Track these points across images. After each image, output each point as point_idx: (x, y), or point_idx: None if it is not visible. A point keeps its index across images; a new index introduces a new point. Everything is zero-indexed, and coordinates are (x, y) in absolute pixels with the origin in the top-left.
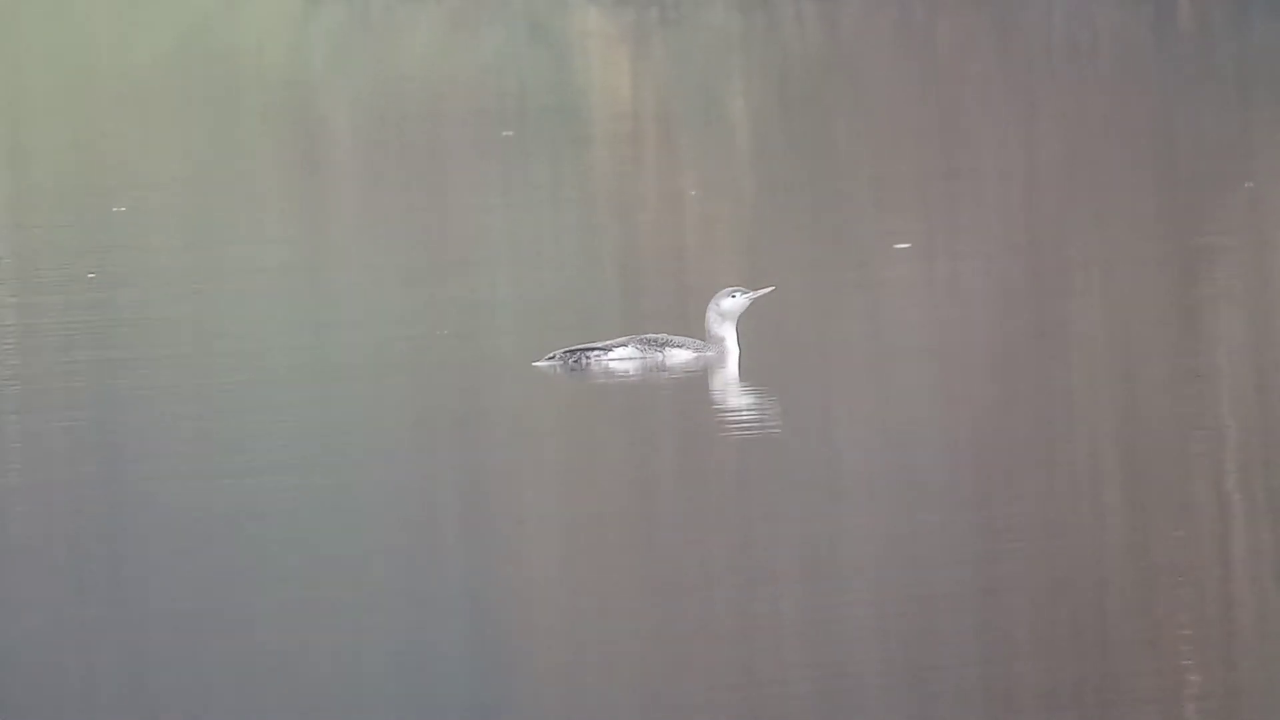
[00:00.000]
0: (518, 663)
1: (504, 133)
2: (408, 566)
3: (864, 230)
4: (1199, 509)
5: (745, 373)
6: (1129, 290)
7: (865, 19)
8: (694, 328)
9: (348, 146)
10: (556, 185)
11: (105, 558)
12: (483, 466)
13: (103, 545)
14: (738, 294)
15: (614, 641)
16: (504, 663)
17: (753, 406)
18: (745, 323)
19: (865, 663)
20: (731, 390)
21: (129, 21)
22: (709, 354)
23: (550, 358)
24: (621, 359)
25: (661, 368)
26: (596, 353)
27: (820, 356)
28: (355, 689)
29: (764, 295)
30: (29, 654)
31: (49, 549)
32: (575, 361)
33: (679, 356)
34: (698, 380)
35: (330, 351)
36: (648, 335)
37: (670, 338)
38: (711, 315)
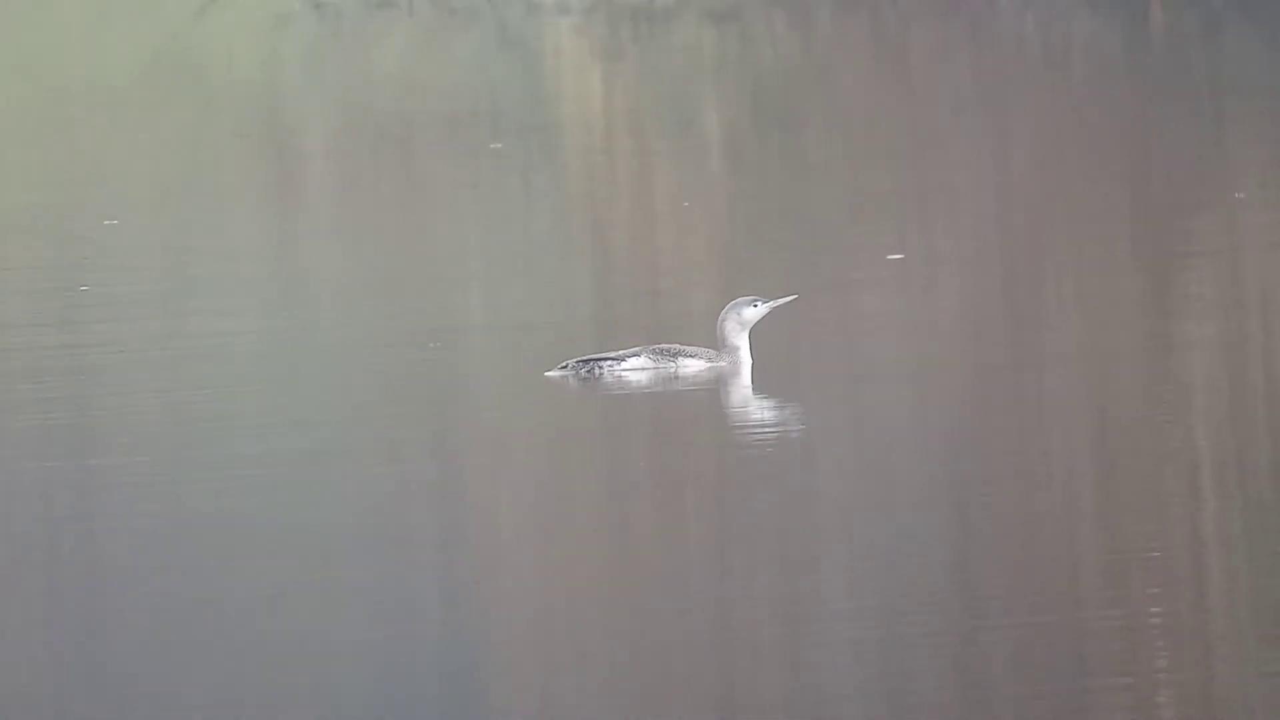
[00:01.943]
0: (494, 677)
1: (492, 145)
2: (387, 577)
3: (847, 241)
4: (1176, 523)
5: (758, 383)
6: (1107, 300)
7: (837, 30)
8: (690, 340)
9: (321, 159)
10: (532, 199)
11: (78, 569)
12: (480, 478)
13: (77, 554)
14: (758, 303)
15: (591, 659)
16: (480, 675)
17: (761, 419)
18: (752, 333)
19: (842, 677)
20: (743, 401)
21: (100, 36)
22: (722, 364)
23: (563, 367)
24: (634, 369)
25: (674, 378)
26: (609, 363)
27: (828, 369)
28: (334, 700)
29: (785, 304)
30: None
31: (18, 569)
32: (588, 371)
33: (692, 367)
34: (710, 391)
35: (322, 368)
36: (661, 345)
37: (683, 348)
38: (730, 324)
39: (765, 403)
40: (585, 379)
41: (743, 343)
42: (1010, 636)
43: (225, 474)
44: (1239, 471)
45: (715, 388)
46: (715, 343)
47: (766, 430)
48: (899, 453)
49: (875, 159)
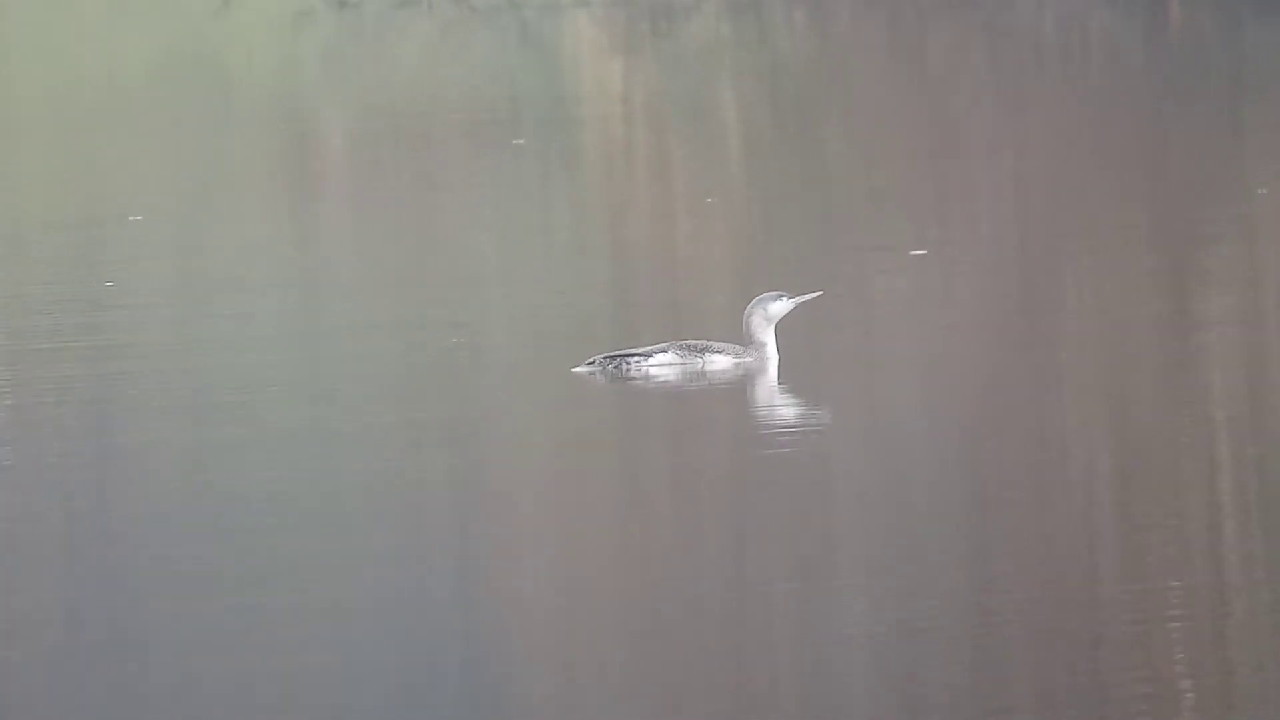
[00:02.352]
0: (509, 669)
1: (515, 141)
2: (402, 571)
3: (867, 237)
4: (1195, 522)
5: (784, 379)
6: (1127, 296)
7: (856, 25)
8: (713, 335)
9: (340, 156)
10: (551, 193)
11: (97, 548)
12: (498, 471)
13: (90, 550)
14: (784, 298)
15: (604, 653)
16: (496, 666)
17: (784, 415)
18: (778, 329)
19: (857, 680)
20: (766, 397)
21: (119, 34)
22: (749, 360)
23: (590, 363)
24: (661, 365)
25: (701, 374)
26: (637, 358)
27: (853, 365)
28: (350, 690)
29: (811, 300)
30: (13, 650)
31: (38, 549)
32: (615, 367)
33: (719, 362)
34: (734, 387)
35: (344, 361)
36: (688, 341)
37: (710, 343)
38: (757, 319)
39: (788, 399)
40: (613, 374)
41: (769, 338)
42: (1027, 634)
43: (244, 464)
44: (1258, 469)
45: (739, 383)
46: (740, 337)
47: (788, 426)
48: (919, 450)
49: (893, 154)
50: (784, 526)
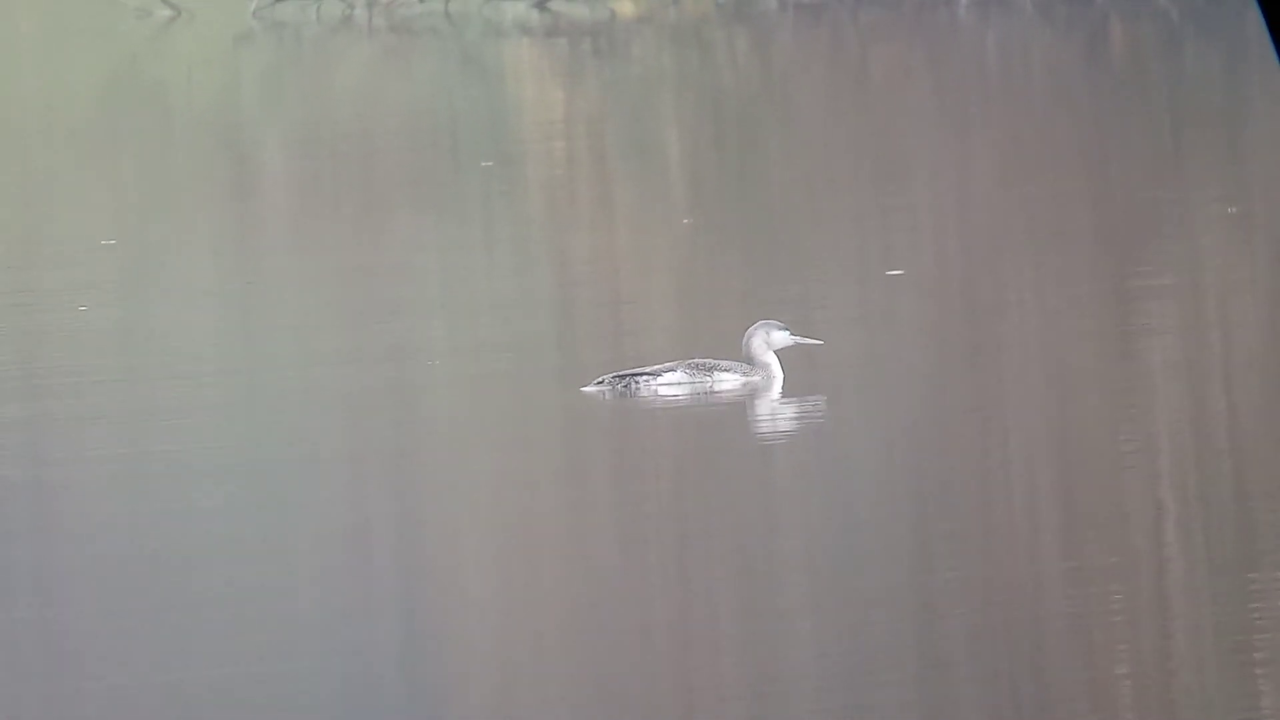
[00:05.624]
0: (451, 682)
1: (483, 163)
2: (350, 586)
3: (824, 259)
4: (1133, 533)
5: (789, 397)
6: (1070, 309)
7: (797, 49)
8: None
9: (280, 181)
10: (493, 218)
11: (33, 593)
12: (460, 486)
13: (31, 581)
14: (787, 331)
15: (550, 672)
16: (438, 677)
17: (762, 429)
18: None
19: (804, 688)
20: (769, 414)
21: (56, 59)
22: (756, 379)
23: (599, 382)
24: (670, 384)
25: (710, 392)
26: (645, 377)
27: (846, 382)
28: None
29: (812, 344)
30: None
31: None
32: (625, 386)
33: (727, 381)
34: (743, 404)
35: (309, 390)
36: (696, 360)
37: (718, 362)
38: (758, 341)
39: (772, 414)
40: (622, 394)
41: (772, 359)
42: (971, 634)
43: (199, 493)
44: (1198, 475)
45: (742, 401)
46: (740, 358)
47: (760, 440)
48: (905, 463)
49: (837, 178)
50: (731, 533)
